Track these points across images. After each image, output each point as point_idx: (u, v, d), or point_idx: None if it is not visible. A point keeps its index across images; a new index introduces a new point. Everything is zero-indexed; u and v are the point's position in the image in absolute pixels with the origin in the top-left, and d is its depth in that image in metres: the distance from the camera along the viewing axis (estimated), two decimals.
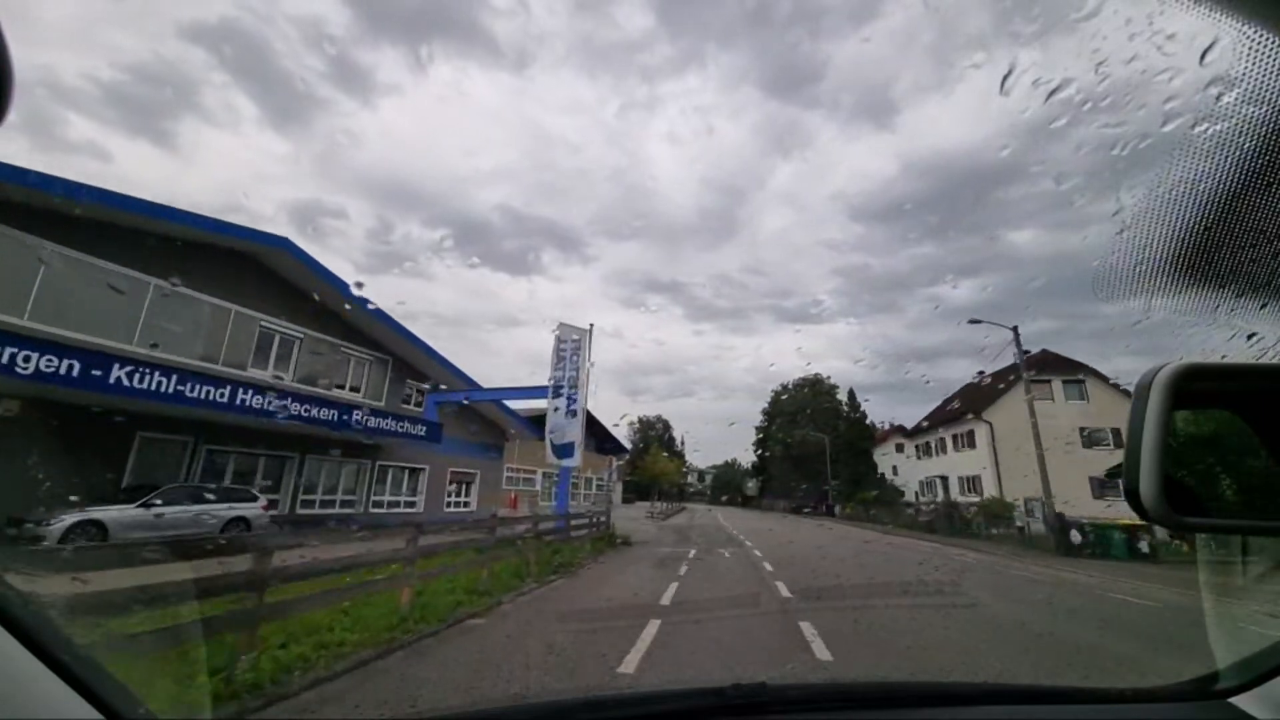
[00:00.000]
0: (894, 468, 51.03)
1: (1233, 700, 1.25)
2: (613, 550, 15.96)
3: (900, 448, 52.30)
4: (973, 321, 24.16)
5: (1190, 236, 1.06)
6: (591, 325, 19.73)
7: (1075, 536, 18.76)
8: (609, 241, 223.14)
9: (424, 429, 19.62)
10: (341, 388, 19.75)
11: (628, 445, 61.04)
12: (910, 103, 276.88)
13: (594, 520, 17.71)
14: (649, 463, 60.06)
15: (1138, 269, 1.12)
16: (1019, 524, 23.14)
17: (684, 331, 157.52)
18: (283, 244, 16.08)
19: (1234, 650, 1.38)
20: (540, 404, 20.92)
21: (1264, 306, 1.10)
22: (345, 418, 16.21)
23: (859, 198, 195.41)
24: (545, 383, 19.40)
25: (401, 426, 18.66)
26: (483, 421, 26.77)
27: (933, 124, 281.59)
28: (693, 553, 15.51)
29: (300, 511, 17.83)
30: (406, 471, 22.65)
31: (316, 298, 18.09)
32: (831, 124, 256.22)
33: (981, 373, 37.22)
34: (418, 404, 23.07)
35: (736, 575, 11.58)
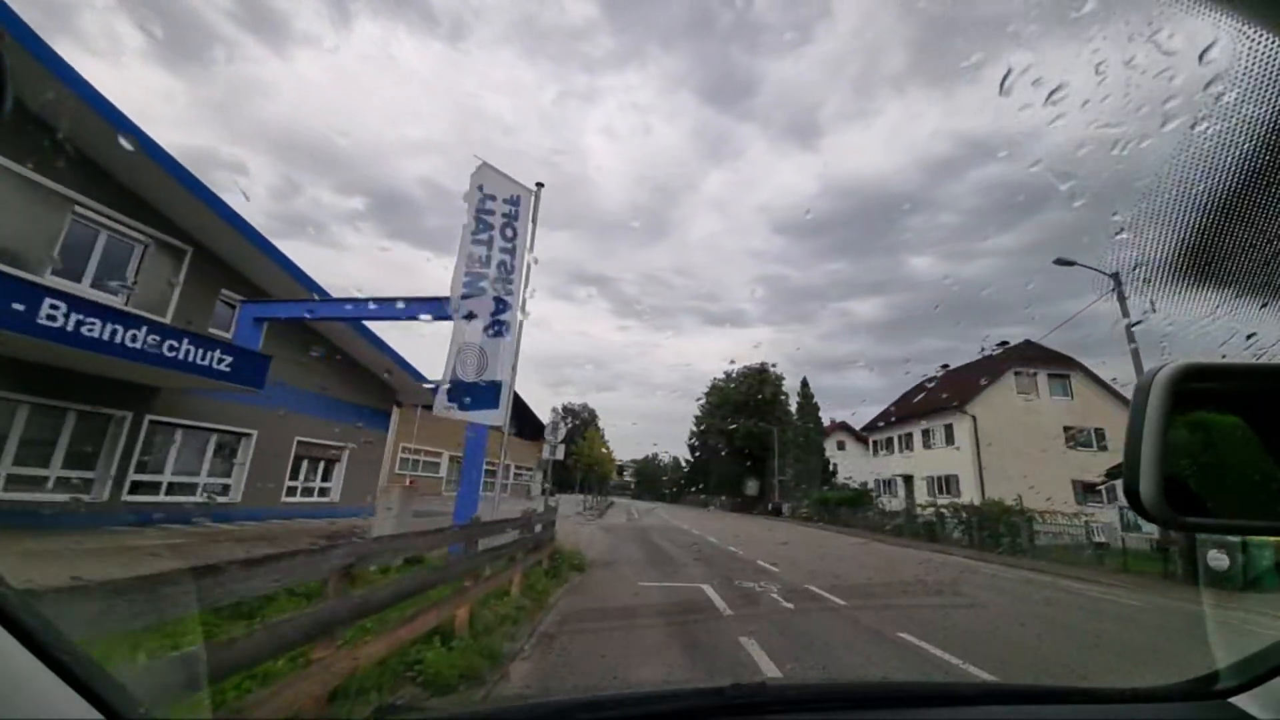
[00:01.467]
0: (834, 465, 49.26)
1: (1233, 700, 1.26)
2: (560, 587, 9.30)
3: (842, 445, 51.84)
4: (1063, 262, 17.65)
5: (1190, 236, 1.07)
6: (540, 185, 12.12)
7: (1218, 560, 12.85)
8: (539, 228, 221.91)
9: (228, 360, 11.05)
10: (77, 280, 11.26)
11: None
12: (834, 128, 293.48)
13: (530, 529, 9.41)
14: (583, 449, 55.95)
15: (1137, 269, 1.14)
16: (1099, 538, 18.90)
17: (610, 326, 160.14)
18: None
19: (1234, 650, 1.41)
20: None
21: (1264, 306, 1.12)
22: (32, 311, 8.18)
23: (783, 211, 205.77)
24: (448, 293, 11.06)
25: (171, 348, 10.13)
26: (359, 375, 18.34)
27: (852, 150, 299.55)
28: (721, 604, 8.44)
29: None
30: (212, 436, 14.12)
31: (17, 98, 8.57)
32: (762, 139, 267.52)
33: (945, 366, 35.88)
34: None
35: None
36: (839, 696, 1.51)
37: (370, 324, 16.04)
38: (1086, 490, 26.91)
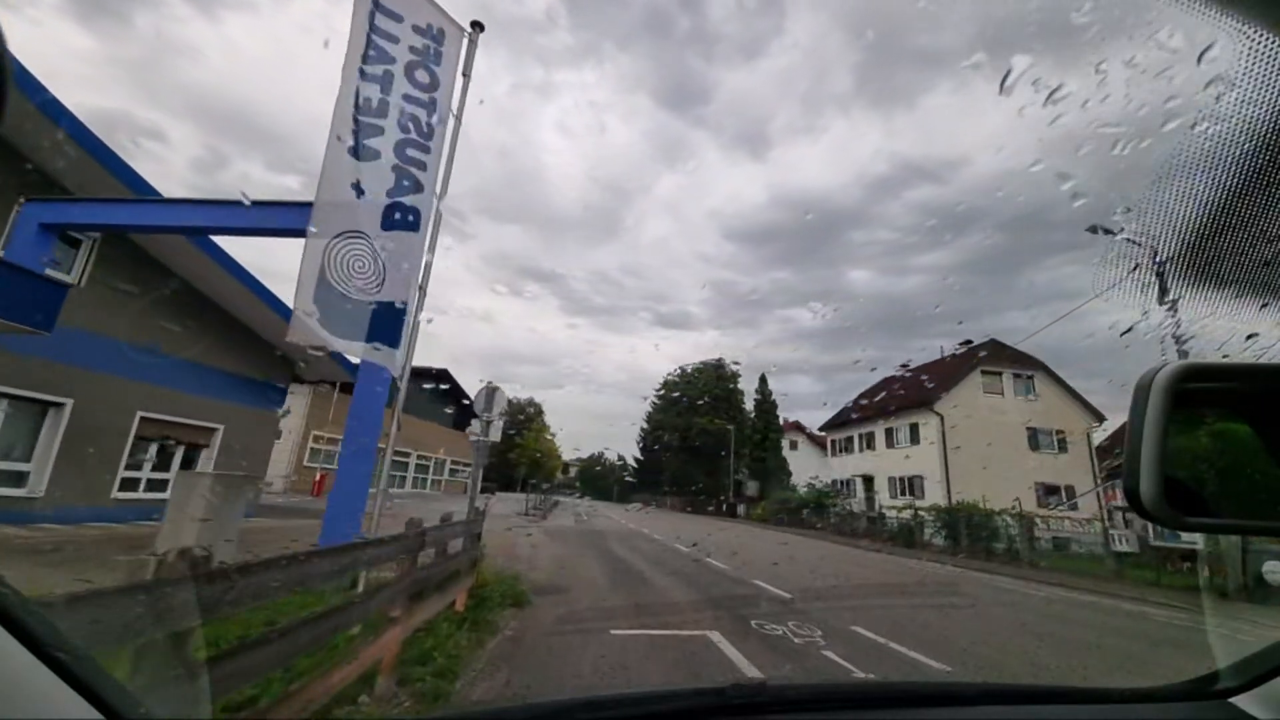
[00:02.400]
0: (788, 466, 48.06)
1: (1233, 700, 1.27)
2: (482, 648, 5.59)
3: (794, 445, 51.58)
4: (1099, 230, 16.01)
5: (1189, 237, 1.08)
6: (478, 27, 8.63)
7: (1276, 572, 11.40)
8: (488, 221, 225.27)
9: None
10: None
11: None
12: (783, 140, 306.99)
13: (419, 554, 4.86)
14: (528, 441, 52.68)
15: (1137, 269, 1.15)
16: (1123, 546, 16.86)
17: (559, 324, 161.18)
18: None
19: (1234, 650, 1.42)
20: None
21: (1264, 306, 1.13)
22: None
23: (733, 219, 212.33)
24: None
25: None
26: (241, 337, 14.18)
27: (799, 164, 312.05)
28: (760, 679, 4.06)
29: None
30: None
31: None
32: (715, 146, 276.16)
33: (905, 365, 35.31)
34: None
35: None
36: (838, 696, 1.51)
37: (264, 276, 12.10)
38: (1049, 492, 27.45)
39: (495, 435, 10.75)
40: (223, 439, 14.20)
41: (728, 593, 9.92)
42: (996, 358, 29.59)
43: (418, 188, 7.29)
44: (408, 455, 35.60)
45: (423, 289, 7.30)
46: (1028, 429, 29.26)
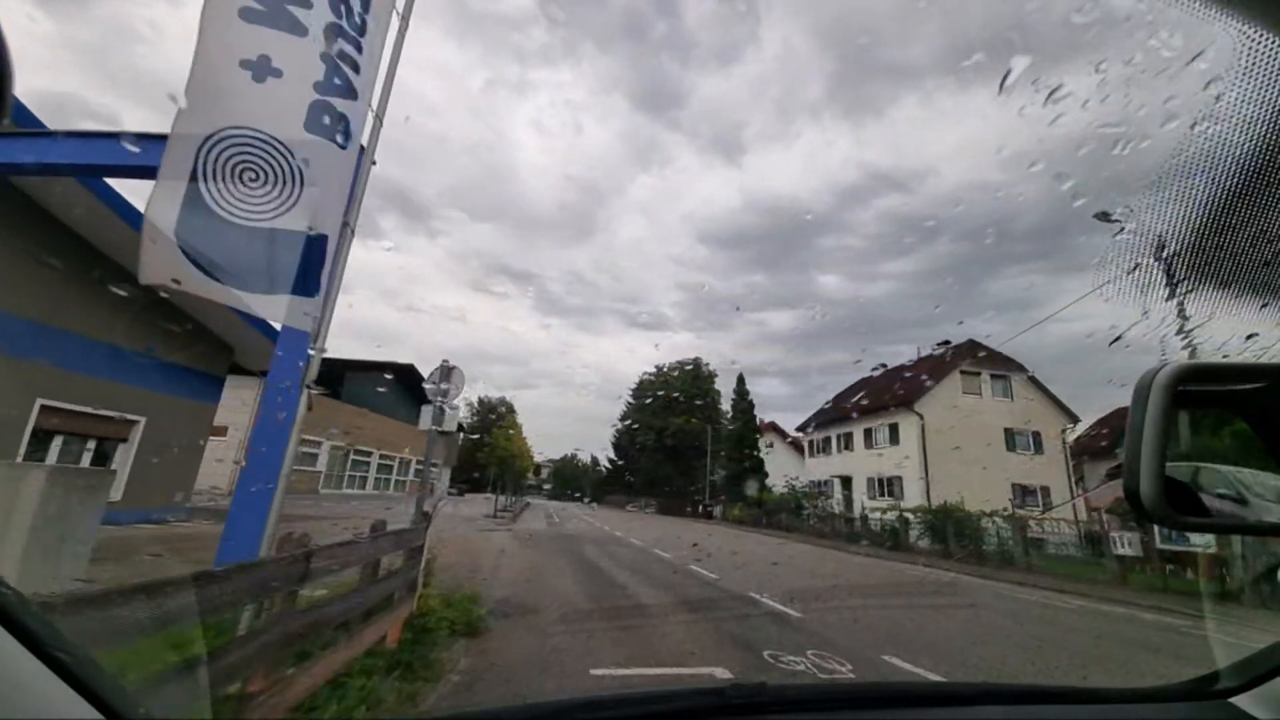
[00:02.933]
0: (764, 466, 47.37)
1: (1233, 700, 1.27)
2: (413, 706, 4.14)
3: (770, 445, 50.65)
4: (1103, 217, 15.34)
5: (1189, 236, 1.08)
6: None
7: None
8: (461, 218, 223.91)
9: None
10: None
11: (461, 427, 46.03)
12: (756, 146, 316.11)
13: (295, 583, 3.22)
14: (498, 440, 52.59)
15: (1136, 269, 1.15)
16: (1124, 550, 15.74)
17: (532, 324, 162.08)
18: None
19: (1234, 650, 1.43)
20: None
21: (1264, 306, 1.13)
22: None
23: (707, 222, 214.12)
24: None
25: None
26: (170, 319, 12.46)
27: (773, 170, 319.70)
28: None
29: None
30: None
31: None
32: (690, 150, 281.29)
33: (882, 365, 34.87)
34: None
35: None
36: (838, 696, 1.51)
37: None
38: (1024, 493, 27.84)
39: (451, 424, 9.19)
40: (144, 433, 12.49)
41: (726, 611, 8.66)
42: (975, 359, 29.55)
43: (350, 92, 5.40)
44: (369, 454, 34.28)
45: (349, 226, 5.45)
46: (1005, 430, 29.62)
